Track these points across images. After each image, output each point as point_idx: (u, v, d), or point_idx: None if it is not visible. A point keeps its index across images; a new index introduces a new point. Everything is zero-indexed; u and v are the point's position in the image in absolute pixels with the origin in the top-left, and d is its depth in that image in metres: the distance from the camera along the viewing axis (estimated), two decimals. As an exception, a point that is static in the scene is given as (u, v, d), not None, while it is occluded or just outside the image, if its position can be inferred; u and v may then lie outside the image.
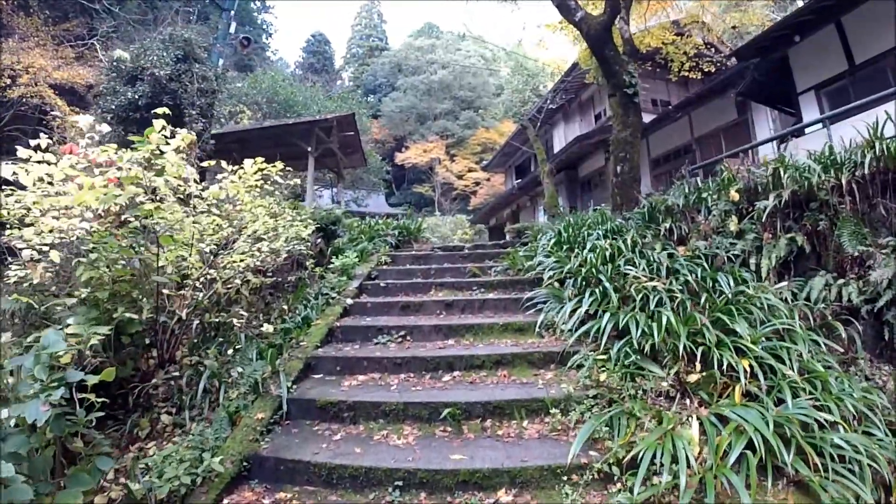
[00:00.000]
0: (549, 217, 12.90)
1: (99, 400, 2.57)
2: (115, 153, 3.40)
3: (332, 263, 6.01)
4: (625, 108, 7.42)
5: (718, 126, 13.11)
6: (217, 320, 4.31)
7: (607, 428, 3.02)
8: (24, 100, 12.44)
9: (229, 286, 4.31)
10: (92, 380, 2.47)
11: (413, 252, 7.63)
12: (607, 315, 3.96)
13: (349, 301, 5.36)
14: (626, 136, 7.34)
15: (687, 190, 5.87)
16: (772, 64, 9.18)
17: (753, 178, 5.05)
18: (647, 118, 12.10)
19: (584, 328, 4.08)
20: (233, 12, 9.81)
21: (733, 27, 17.74)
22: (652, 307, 3.93)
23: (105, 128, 3.71)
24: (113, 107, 7.60)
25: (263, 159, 4.64)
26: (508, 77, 43.48)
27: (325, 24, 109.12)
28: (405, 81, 42.99)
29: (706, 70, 14.84)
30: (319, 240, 6.51)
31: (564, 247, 5.71)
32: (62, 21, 19.81)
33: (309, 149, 9.44)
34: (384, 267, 6.89)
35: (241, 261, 4.22)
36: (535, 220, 22.52)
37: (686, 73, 14.32)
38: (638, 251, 4.96)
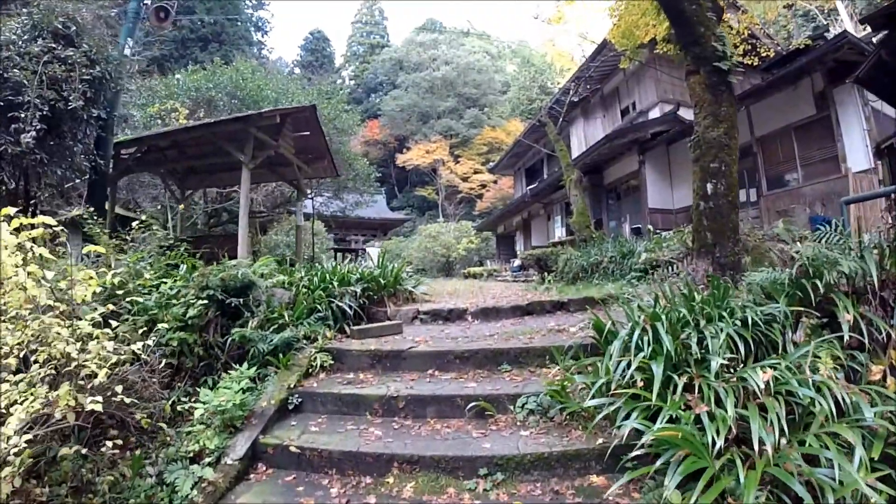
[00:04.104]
0: (580, 241, 9.92)
1: None
2: None
3: (228, 374, 3.32)
4: (714, 93, 4.68)
5: (789, 123, 10.37)
6: None
7: None
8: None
9: None
10: None
11: (373, 346, 4.26)
12: None
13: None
14: (719, 135, 4.58)
15: (884, 241, 3.19)
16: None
17: None
18: (688, 114, 9.05)
19: None
20: (147, -29, 7.25)
21: (787, 6, 15.13)
22: None
23: None
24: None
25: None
26: (515, 73, 40.92)
27: (325, 23, 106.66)
28: (407, 79, 40.61)
29: (763, 55, 12.45)
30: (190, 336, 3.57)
31: (674, 375, 2.60)
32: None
33: (242, 158, 6.52)
34: (315, 384, 3.74)
35: None
36: (550, 231, 19.76)
37: (740, 59, 11.51)
38: (830, 395, 2.26)
